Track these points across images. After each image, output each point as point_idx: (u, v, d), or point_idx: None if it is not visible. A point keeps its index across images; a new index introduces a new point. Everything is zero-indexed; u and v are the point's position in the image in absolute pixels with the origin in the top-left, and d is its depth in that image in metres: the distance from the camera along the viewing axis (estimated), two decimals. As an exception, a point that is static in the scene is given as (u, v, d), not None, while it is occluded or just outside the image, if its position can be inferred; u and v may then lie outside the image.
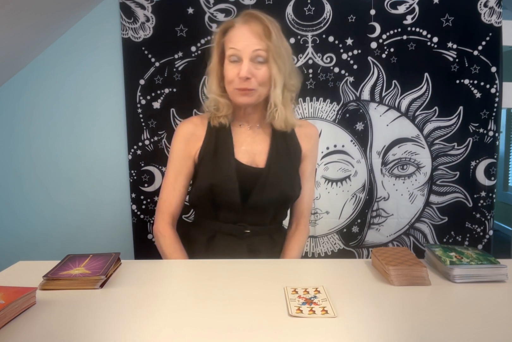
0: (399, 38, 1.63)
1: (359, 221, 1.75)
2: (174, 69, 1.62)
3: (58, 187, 1.72)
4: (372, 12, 1.61)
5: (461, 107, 1.68)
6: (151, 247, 1.63)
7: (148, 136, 1.66)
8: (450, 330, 0.64)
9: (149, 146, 1.67)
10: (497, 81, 1.65)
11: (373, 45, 1.63)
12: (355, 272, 0.91)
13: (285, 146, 1.12)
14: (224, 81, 1.06)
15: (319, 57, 1.64)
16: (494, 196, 1.73)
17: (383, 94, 1.67)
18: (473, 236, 1.75)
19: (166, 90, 1.63)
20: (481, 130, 1.69)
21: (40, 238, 1.73)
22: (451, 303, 0.77)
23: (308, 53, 1.63)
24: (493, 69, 1.64)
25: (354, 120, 1.68)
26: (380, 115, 1.68)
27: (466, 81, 1.66)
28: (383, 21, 1.61)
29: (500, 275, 0.84)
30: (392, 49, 1.63)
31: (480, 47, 1.63)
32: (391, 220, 1.75)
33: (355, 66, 1.64)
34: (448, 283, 0.84)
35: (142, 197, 1.70)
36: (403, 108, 1.68)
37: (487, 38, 1.63)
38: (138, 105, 1.64)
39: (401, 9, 1.61)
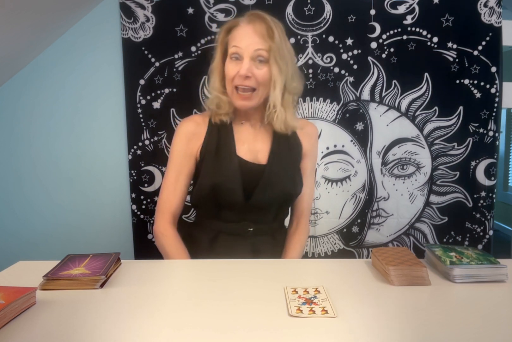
0: (399, 38, 1.63)
1: (359, 221, 1.75)
2: (174, 69, 1.62)
3: (58, 187, 1.72)
4: (372, 12, 1.61)
5: (461, 107, 1.68)
6: (151, 247, 1.63)
7: (148, 136, 1.66)
8: (450, 330, 0.64)
9: (149, 146, 1.67)
10: (497, 81, 1.65)
11: (373, 45, 1.63)
12: (355, 272, 0.91)
13: (286, 144, 1.13)
14: (225, 80, 1.06)
15: (319, 57, 1.64)
16: (494, 196, 1.73)
17: (383, 94, 1.67)
18: (473, 236, 1.75)
19: (166, 90, 1.64)
20: (481, 130, 1.69)
21: (40, 238, 1.73)
22: (451, 303, 0.77)
23: (308, 53, 1.63)
24: (493, 69, 1.64)
25: (354, 120, 1.68)
26: (380, 115, 1.68)
27: (466, 81, 1.66)
28: (383, 21, 1.61)
29: (500, 275, 0.84)
30: (392, 49, 1.63)
31: (480, 47, 1.63)
32: (391, 220, 1.75)
33: (355, 66, 1.64)
34: (448, 283, 0.84)
35: (142, 197, 1.70)
36: (403, 108, 1.68)
37: (487, 38, 1.63)
38: (138, 105, 1.64)
39: (401, 9, 1.61)
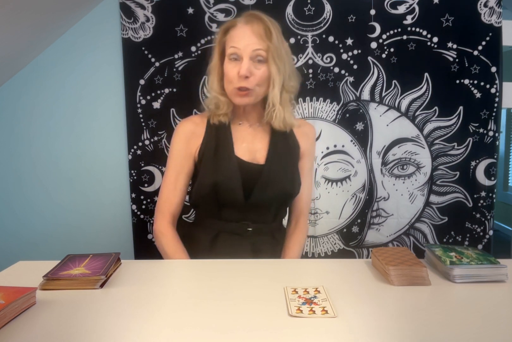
0: (399, 38, 1.63)
1: (359, 221, 1.75)
2: (174, 69, 1.62)
3: (58, 187, 1.72)
4: (372, 12, 1.61)
5: (461, 107, 1.68)
6: (151, 247, 1.63)
7: (148, 136, 1.66)
8: (450, 330, 0.64)
9: (149, 146, 1.67)
10: (497, 81, 1.65)
11: (373, 45, 1.63)
12: (355, 272, 0.91)
13: (284, 144, 1.13)
14: (224, 80, 1.06)
15: (319, 57, 1.64)
16: (494, 196, 1.73)
17: (383, 94, 1.67)
18: (473, 236, 1.75)
19: (166, 90, 1.64)
20: (481, 130, 1.69)
21: (40, 238, 1.73)
22: (451, 303, 0.77)
23: (308, 53, 1.63)
24: (493, 69, 1.64)
25: (354, 120, 1.68)
26: (380, 115, 1.68)
27: (466, 81, 1.66)
28: (383, 21, 1.61)
29: (500, 275, 0.84)
30: (392, 49, 1.63)
31: (480, 47, 1.63)
32: (391, 220, 1.75)
33: (355, 66, 1.64)
34: (448, 283, 0.84)
35: (142, 197, 1.70)
36: (403, 108, 1.68)
37: (487, 38, 1.63)
38: (138, 105, 1.64)
39: (401, 9, 1.61)
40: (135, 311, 0.71)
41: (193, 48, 1.61)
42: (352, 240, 1.76)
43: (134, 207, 1.70)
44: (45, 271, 0.83)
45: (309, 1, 1.60)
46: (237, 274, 0.90)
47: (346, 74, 1.65)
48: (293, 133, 1.16)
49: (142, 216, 1.71)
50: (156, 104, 1.64)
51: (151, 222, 1.71)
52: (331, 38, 1.63)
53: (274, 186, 1.08)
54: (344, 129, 1.69)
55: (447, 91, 1.66)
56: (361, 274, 0.90)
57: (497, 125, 1.69)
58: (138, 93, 1.63)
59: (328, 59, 1.64)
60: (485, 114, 1.68)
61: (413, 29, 1.62)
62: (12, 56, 1.51)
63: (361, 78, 1.66)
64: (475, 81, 1.66)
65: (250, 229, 1.10)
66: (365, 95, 1.67)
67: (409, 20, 1.62)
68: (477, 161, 1.71)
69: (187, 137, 1.11)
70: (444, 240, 1.76)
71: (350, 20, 1.62)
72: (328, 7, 1.61)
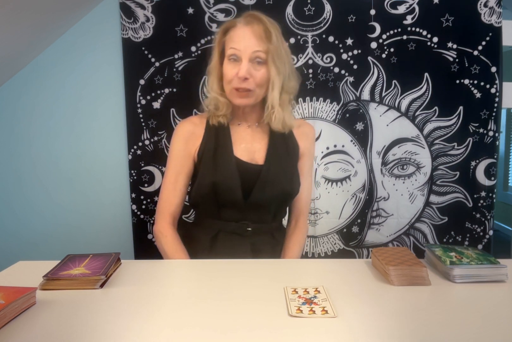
0: (399, 38, 1.63)
1: (359, 221, 1.75)
2: (174, 69, 1.62)
3: (58, 187, 1.72)
4: (372, 12, 1.61)
5: (461, 107, 1.68)
6: (151, 247, 1.63)
7: (148, 136, 1.66)
8: (450, 330, 0.64)
9: (149, 146, 1.67)
10: (497, 81, 1.65)
11: (373, 45, 1.63)
12: (355, 272, 0.91)
13: (283, 144, 1.14)
14: (223, 81, 1.06)
15: (319, 57, 1.64)
16: (494, 196, 1.73)
17: (383, 94, 1.67)
18: (473, 236, 1.75)
19: (166, 90, 1.64)
20: (481, 130, 1.69)
21: (40, 238, 1.73)
22: (451, 303, 0.77)
23: (308, 53, 1.63)
24: (493, 69, 1.64)
25: (354, 120, 1.68)
26: (380, 115, 1.68)
27: (466, 81, 1.66)
28: (383, 21, 1.61)
29: (500, 275, 0.84)
30: (392, 49, 1.63)
31: (480, 47, 1.63)
32: (391, 220, 1.75)
33: (355, 66, 1.64)
34: (448, 283, 0.84)
35: (142, 197, 1.70)
36: (403, 108, 1.68)
37: (487, 38, 1.63)
38: (138, 105, 1.64)
39: (401, 9, 1.61)
40: (135, 311, 0.71)
41: (193, 48, 1.61)
42: (352, 240, 1.76)
43: (134, 207, 1.70)
44: (45, 271, 0.83)
45: (309, 1, 1.60)
46: (237, 274, 0.90)
47: (346, 74, 1.65)
48: (292, 133, 1.16)
49: (142, 216, 1.71)
50: (156, 104, 1.64)
51: (151, 222, 1.71)
52: (331, 38, 1.63)
53: (273, 186, 1.08)
54: (344, 129, 1.69)
55: (447, 91, 1.66)
56: (361, 274, 0.90)
57: (497, 125, 1.69)
58: (138, 93, 1.63)
59: (328, 59, 1.64)
60: (485, 114, 1.68)
61: (413, 29, 1.62)
62: (12, 56, 1.51)
63: (361, 78, 1.65)
64: (475, 81, 1.66)
65: (249, 228, 1.11)
66: (365, 95, 1.67)
67: (409, 20, 1.62)
68: (477, 161, 1.71)
69: (186, 138, 1.11)
70: (444, 240, 1.76)
71: (350, 20, 1.62)
72: (328, 7, 1.61)
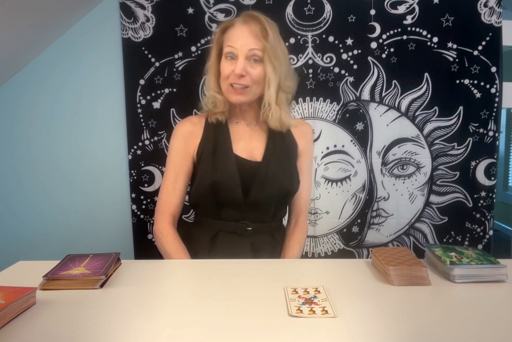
0: (399, 38, 1.63)
1: (359, 221, 1.75)
2: (174, 69, 1.62)
3: (58, 187, 1.72)
4: (372, 12, 1.61)
5: (461, 107, 1.68)
6: (151, 247, 1.63)
7: (148, 136, 1.66)
8: (450, 330, 0.64)
9: (149, 146, 1.67)
10: (497, 81, 1.65)
11: (373, 45, 1.63)
12: (355, 272, 0.91)
13: (282, 142, 1.14)
14: (220, 78, 1.07)
15: (319, 57, 1.64)
16: (494, 196, 1.73)
17: (383, 94, 1.67)
18: (473, 236, 1.75)
19: (166, 90, 1.64)
20: (481, 130, 1.69)
21: (40, 238, 1.73)
22: (451, 303, 0.77)
23: (308, 53, 1.63)
24: (493, 69, 1.64)
25: (354, 120, 1.68)
26: (380, 115, 1.68)
27: (466, 81, 1.66)
28: (383, 21, 1.61)
29: (500, 275, 0.84)
30: (392, 49, 1.63)
31: (480, 47, 1.63)
32: (391, 220, 1.75)
33: (355, 66, 1.64)
34: (448, 283, 0.84)
35: (142, 197, 1.70)
36: (403, 108, 1.68)
37: (487, 38, 1.63)
38: (138, 105, 1.64)
39: (401, 9, 1.61)
40: (135, 311, 0.71)
41: (193, 48, 1.61)
42: (352, 240, 1.76)
43: (134, 207, 1.70)
44: (45, 271, 0.83)
45: (309, 1, 1.60)
46: (237, 273, 0.90)
47: (346, 74, 1.65)
48: (290, 132, 1.17)
49: (142, 216, 1.71)
50: (156, 104, 1.64)
51: (151, 222, 1.71)
52: (331, 38, 1.63)
53: (272, 183, 1.08)
54: (344, 129, 1.69)
55: (447, 91, 1.66)
56: (361, 274, 0.90)
57: (497, 125, 1.69)
58: (138, 93, 1.64)
59: (328, 59, 1.64)
60: (485, 114, 1.68)
61: (413, 29, 1.62)
62: (12, 56, 1.51)
63: (361, 78, 1.66)
64: (475, 81, 1.66)
65: (249, 228, 1.11)
66: (365, 95, 1.67)
67: (409, 20, 1.62)
68: (477, 161, 1.71)
69: (185, 137, 1.12)
70: (444, 240, 1.76)
71: (350, 20, 1.62)
72: (328, 7, 1.61)
